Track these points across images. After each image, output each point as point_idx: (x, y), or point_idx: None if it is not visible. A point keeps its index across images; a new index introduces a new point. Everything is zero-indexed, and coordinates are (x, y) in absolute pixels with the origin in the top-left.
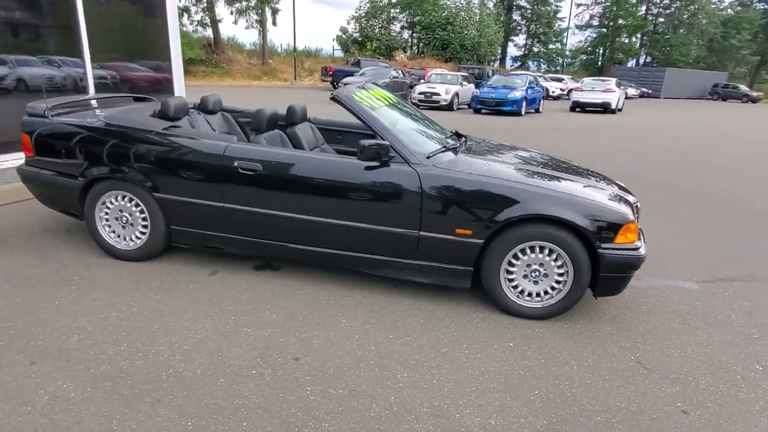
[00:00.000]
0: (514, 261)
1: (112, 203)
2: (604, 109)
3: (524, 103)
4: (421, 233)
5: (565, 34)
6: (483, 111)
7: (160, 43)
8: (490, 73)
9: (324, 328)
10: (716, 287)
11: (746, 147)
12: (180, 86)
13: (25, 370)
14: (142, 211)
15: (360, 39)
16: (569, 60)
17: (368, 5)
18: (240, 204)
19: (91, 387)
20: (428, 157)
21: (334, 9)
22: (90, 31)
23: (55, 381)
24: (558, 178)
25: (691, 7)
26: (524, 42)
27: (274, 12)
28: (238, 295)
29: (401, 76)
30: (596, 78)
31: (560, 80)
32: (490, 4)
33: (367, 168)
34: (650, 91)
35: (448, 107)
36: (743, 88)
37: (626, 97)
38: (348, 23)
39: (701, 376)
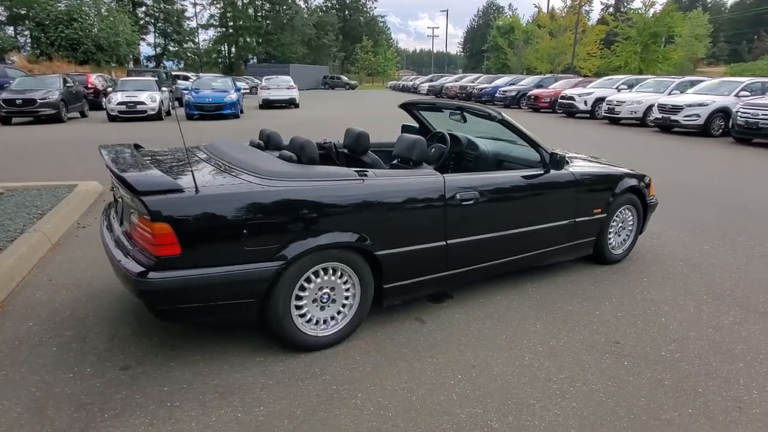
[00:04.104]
0: (613, 224)
1: (310, 282)
2: (289, 104)
3: (239, 105)
4: (576, 220)
5: (196, 34)
6: (196, 117)
7: None
8: (165, 76)
9: (583, 323)
10: None
11: None
12: None
13: None
14: (346, 282)
15: None
16: (205, 59)
17: None
18: (459, 237)
19: None
20: None
21: None
22: None
23: None
24: (609, 164)
25: (289, 11)
26: (155, 41)
27: None
28: (482, 329)
29: (74, 84)
30: (273, 76)
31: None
32: None
33: (527, 177)
34: None
35: (157, 116)
36: (344, 78)
37: None
38: None
39: None
